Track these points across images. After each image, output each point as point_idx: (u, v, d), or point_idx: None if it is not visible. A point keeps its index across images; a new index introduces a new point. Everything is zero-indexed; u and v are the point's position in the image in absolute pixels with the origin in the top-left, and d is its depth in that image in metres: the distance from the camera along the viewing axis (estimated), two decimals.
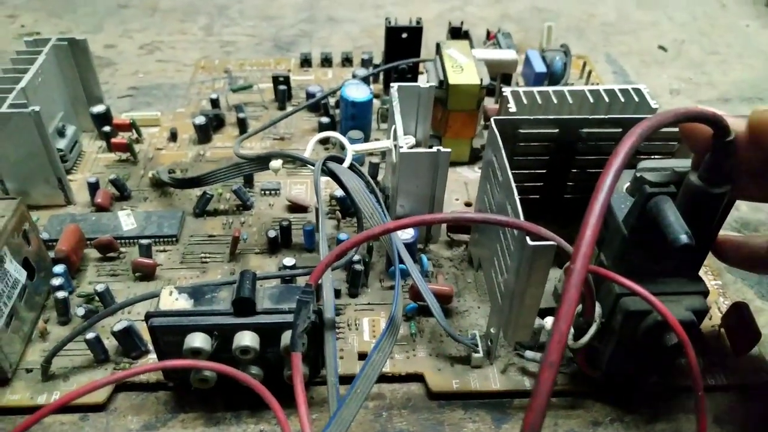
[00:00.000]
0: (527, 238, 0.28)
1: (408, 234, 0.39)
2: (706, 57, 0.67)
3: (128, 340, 0.34)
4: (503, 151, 0.33)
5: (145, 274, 0.40)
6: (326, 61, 0.62)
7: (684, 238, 0.25)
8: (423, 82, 0.41)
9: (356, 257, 0.38)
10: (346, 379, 0.33)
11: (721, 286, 0.40)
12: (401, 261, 0.35)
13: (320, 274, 0.29)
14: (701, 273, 0.31)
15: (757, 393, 0.35)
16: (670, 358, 0.32)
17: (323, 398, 0.34)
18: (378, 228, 0.29)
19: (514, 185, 0.31)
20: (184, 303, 0.31)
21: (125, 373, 0.29)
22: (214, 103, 0.54)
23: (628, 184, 0.30)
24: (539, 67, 0.56)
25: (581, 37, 0.70)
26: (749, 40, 0.71)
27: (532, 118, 0.35)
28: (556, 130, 0.35)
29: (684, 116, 0.23)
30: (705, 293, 0.30)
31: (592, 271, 0.28)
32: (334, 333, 0.31)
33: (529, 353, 0.35)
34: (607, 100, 0.38)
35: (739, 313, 0.35)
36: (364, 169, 0.46)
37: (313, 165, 0.38)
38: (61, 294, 0.36)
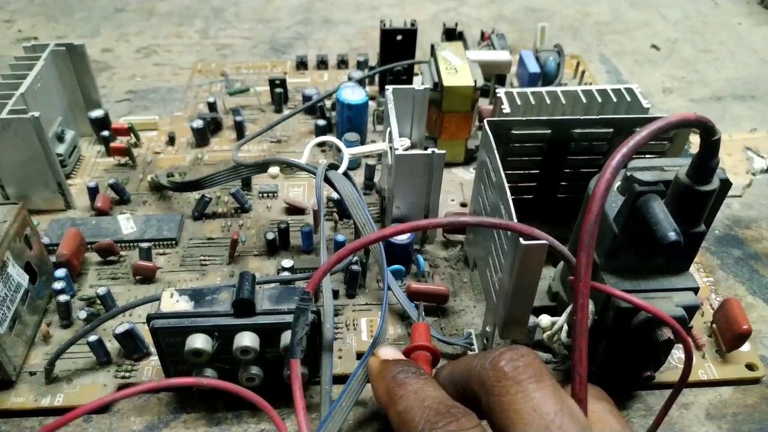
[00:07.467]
0: (520, 238, 0.29)
1: (404, 235, 0.39)
2: (698, 55, 0.68)
3: (130, 342, 0.35)
4: (496, 153, 0.34)
5: (146, 277, 0.40)
6: (322, 64, 0.62)
7: (672, 235, 0.25)
8: (418, 83, 0.41)
9: (353, 258, 0.39)
10: (343, 379, 0.33)
11: (713, 282, 0.41)
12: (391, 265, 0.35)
13: (318, 282, 0.29)
14: (693, 270, 0.32)
15: (748, 388, 0.36)
16: (662, 353, 0.33)
17: None
18: (374, 234, 0.29)
19: (507, 186, 0.32)
20: (184, 305, 0.31)
21: (133, 390, 0.29)
22: (212, 106, 0.54)
23: (619, 183, 0.30)
24: (533, 67, 0.56)
25: (575, 37, 0.71)
26: (742, 39, 0.71)
27: (524, 119, 0.36)
28: (549, 131, 0.36)
29: (669, 125, 0.24)
30: (695, 289, 0.31)
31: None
32: (332, 348, 0.32)
33: None
34: (599, 100, 0.39)
35: (730, 310, 0.36)
36: (361, 171, 0.47)
37: (312, 172, 0.39)
38: (63, 297, 0.37)
